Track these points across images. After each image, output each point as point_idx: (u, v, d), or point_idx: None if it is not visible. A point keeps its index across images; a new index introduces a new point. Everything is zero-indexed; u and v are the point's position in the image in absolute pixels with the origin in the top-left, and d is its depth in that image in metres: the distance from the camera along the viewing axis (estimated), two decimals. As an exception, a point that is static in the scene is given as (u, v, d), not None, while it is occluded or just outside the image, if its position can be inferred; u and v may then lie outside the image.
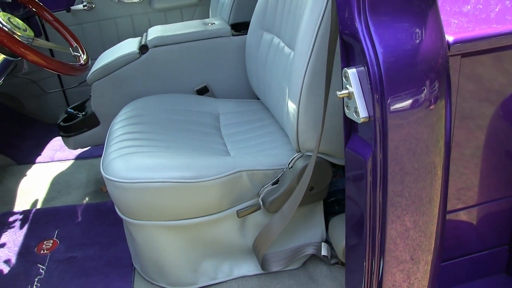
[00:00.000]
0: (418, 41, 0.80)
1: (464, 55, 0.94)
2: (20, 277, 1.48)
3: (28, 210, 1.81)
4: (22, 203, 1.87)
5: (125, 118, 1.50)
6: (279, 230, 1.22)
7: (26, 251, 1.59)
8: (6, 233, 1.69)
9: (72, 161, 2.16)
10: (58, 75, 2.35)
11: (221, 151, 1.39)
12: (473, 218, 1.17)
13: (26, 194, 1.93)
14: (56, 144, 2.30)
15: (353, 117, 0.86)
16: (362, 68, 0.82)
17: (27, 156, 2.22)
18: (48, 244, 1.62)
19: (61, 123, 1.85)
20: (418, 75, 0.80)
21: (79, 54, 1.55)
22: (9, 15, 1.29)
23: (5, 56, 1.24)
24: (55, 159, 2.18)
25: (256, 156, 1.31)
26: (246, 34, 1.68)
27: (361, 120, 0.83)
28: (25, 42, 1.21)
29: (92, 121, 1.81)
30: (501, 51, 0.98)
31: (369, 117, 0.83)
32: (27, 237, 1.65)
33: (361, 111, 0.83)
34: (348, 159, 0.95)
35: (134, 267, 1.47)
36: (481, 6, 1.13)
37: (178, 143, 1.38)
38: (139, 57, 1.73)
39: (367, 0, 0.78)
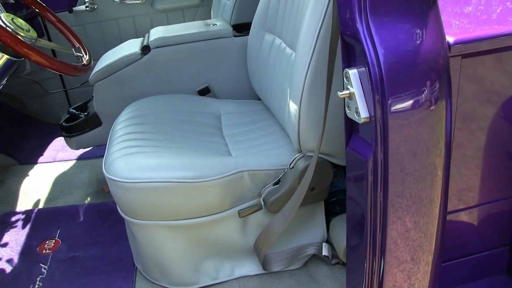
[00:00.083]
0: (418, 42, 0.80)
1: (464, 56, 0.95)
2: (22, 277, 1.48)
3: (30, 210, 1.82)
4: (24, 203, 1.88)
5: (127, 118, 1.51)
6: (280, 230, 1.23)
7: (28, 250, 1.59)
8: (8, 232, 1.69)
9: (74, 161, 2.16)
10: (60, 75, 2.36)
11: (223, 151, 1.40)
12: (474, 218, 1.17)
13: (28, 194, 1.93)
14: (58, 145, 2.31)
15: (354, 117, 0.87)
16: (363, 68, 0.82)
17: (29, 156, 2.23)
18: (50, 243, 1.62)
19: (64, 124, 1.86)
20: (419, 75, 0.80)
21: (81, 55, 1.56)
22: (12, 16, 1.30)
23: (8, 57, 1.24)
24: (57, 159, 2.19)
25: (257, 156, 1.32)
26: (248, 35, 1.68)
27: (362, 121, 0.84)
28: (28, 43, 1.22)
29: (94, 122, 1.82)
30: (502, 52, 0.98)
31: (370, 117, 0.83)
32: (29, 236, 1.66)
33: (362, 112, 0.83)
34: (349, 159, 0.95)
35: (136, 267, 1.48)
36: (482, 7, 1.13)
37: (180, 143, 1.38)
38: (141, 58, 1.73)
39: (368, 1, 0.79)
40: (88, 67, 1.49)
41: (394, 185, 0.87)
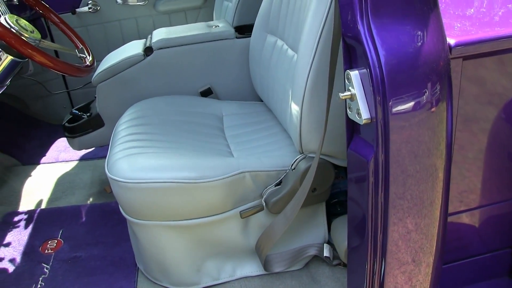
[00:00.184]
0: (419, 43, 0.80)
1: (465, 57, 0.95)
2: (24, 276, 1.49)
3: (33, 210, 1.83)
4: (26, 203, 1.88)
5: (130, 119, 1.52)
6: (282, 231, 1.23)
7: (30, 250, 1.60)
8: (11, 232, 1.70)
9: (76, 162, 2.17)
10: (63, 76, 2.37)
11: (225, 152, 1.40)
12: (475, 220, 1.17)
13: (31, 194, 1.94)
14: (60, 145, 2.31)
15: (356, 118, 0.87)
16: (365, 70, 0.82)
17: (32, 156, 2.23)
18: (52, 243, 1.63)
19: (66, 124, 1.87)
20: (420, 77, 0.80)
21: (85, 56, 1.56)
22: (17, 17, 1.31)
23: (12, 57, 1.25)
24: (59, 160, 2.20)
25: (259, 157, 1.32)
26: (250, 36, 1.69)
27: (363, 122, 0.84)
28: (32, 44, 1.23)
29: (96, 122, 1.83)
30: (504, 54, 0.99)
31: (371, 118, 0.84)
32: (31, 236, 1.67)
33: (363, 113, 0.84)
34: (350, 160, 0.95)
35: (138, 267, 1.48)
36: (484, 10, 1.13)
37: (182, 144, 1.39)
38: (144, 59, 1.74)
39: (369, 3, 0.79)
40: (91, 68, 1.49)
41: (395, 186, 0.87)
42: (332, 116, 1.06)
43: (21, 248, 1.61)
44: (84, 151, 2.22)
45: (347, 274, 1.13)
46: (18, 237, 1.67)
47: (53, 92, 2.29)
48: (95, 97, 1.84)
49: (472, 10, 1.13)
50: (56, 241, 1.64)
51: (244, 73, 1.78)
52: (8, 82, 1.32)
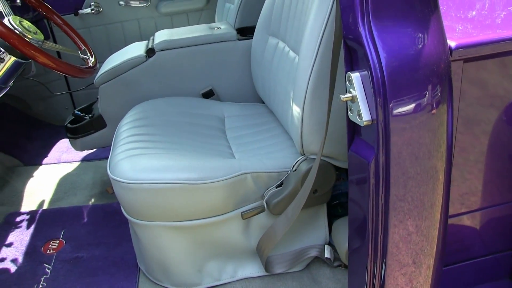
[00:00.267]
0: (420, 46, 0.81)
1: (466, 60, 0.95)
2: (26, 276, 1.49)
3: (35, 210, 1.83)
4: (29, 203, 1.89)
5: (132, 120, 1.52)
6: (283, 232, 1.23)
7: (32, 250, 1.61)
8: (13, 233, 1.71)
9: (78, 163, 2.18)
10: (66, 77, 2.37)
11: (226, 153, 1.41)
12: (477, 222, 1.17)
13: (33, 195, 1.95)
14: (62, 146, 2.32)
15: (356, 120, 0.87)
16: (366, 72, 0.83)
17: (34, 157, 2.24)
18: (54, 244, 1.64)
19: (68, 125, 1.87)
20: (420, 79, 0.81)
21: (87, 57, 1.57)
22: (20, 18, 1.32)
23: (16, 59, 1.26)
24: (61, 161, 2.21)
25: (260, 158, 1.33)
26: (252, 38, 1.69)
27: (364, 123, 0.84)
28: (36, 45, 1.24)
29: (99, 123, 1.83)
30: (505, 56, 0.99)
31: (372, 120, 0.84)
32: (33, 237, 1.67)
33: (364, 115, 0.84)
34: (351, 162, 0.95)
35: (139, 268, 1.48)
36: (485, 12, 1.13)
37: (184, 145, 1.39)
38: (146, 61, 1.75)
39: (370, 5, 0.80)
40: (94, 69, 1.50)
41: (396, 188, 0.87)
42: (333, 117, 1.06)
43: (23, 248, 1.62)
44: (86, 152, 2.22)
45: (348, 276, 1.13)
46: (20, 237, 1.68)
47: (55, 93, 2.29)
48: (97, 98, 1.84)
49: (473, 12, 1.13)
50: (58, 241, 1.65)
51: (246, 74, 1.79)
52: (11, 83, 1.33)
